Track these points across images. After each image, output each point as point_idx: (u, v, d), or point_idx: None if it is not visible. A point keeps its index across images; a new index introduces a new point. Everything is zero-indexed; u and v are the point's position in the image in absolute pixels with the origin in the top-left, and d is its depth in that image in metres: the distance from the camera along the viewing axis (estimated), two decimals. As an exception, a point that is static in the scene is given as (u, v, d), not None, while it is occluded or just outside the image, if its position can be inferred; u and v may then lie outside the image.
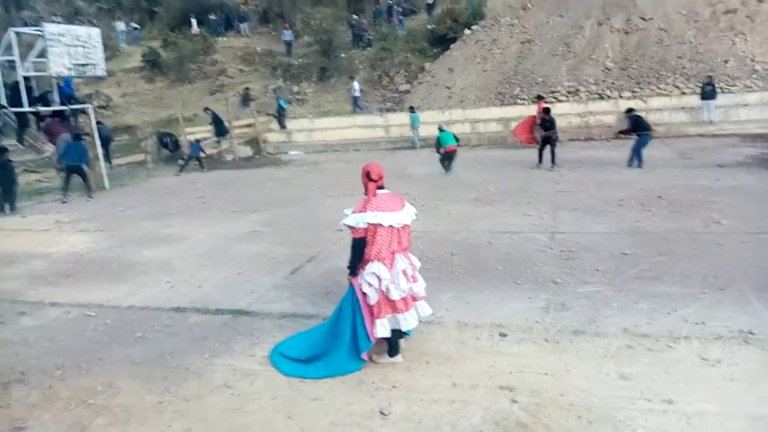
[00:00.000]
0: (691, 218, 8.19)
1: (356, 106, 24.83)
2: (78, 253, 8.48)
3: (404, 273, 4.28)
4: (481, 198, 10.57)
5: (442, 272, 6.50)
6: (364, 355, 4.37)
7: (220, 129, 20.18)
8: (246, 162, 19.53)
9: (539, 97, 17.79)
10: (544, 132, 13.86)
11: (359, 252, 4.25)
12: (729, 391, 3.74)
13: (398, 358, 4.47)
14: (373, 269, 4.21)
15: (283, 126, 22.86)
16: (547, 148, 13.79)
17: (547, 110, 14.09)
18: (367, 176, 4.32)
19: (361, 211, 4.21)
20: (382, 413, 3.75)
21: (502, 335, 4.79)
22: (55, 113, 14.89)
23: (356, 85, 25.07)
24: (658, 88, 20.30)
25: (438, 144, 14.10)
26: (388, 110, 24.37)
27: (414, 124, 20.12)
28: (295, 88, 26.91)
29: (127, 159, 18.17)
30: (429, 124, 21.46)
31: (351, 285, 4.37)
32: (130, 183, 15.82)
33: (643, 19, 22.38)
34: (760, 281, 5.61)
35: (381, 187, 4.35)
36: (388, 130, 22.23)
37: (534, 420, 3.56)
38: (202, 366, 4.59)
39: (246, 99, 24.46)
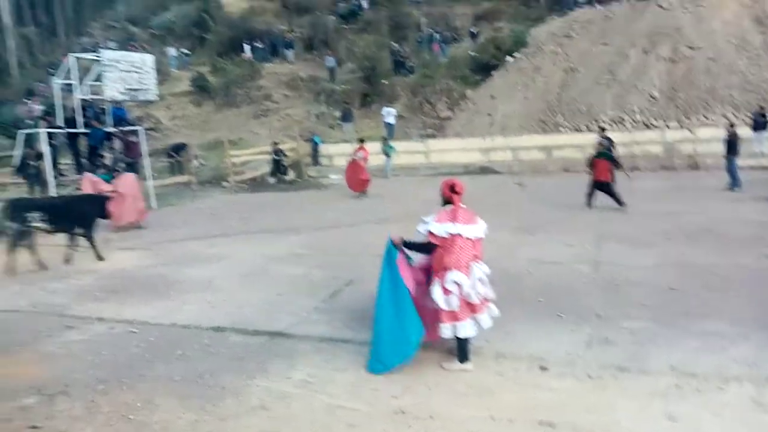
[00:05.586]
0: (741, 253, 7.88)
1: (389, 133, 24.03)
2: (124, 270, 8.71)
3: (480, 280, 4.67)
4: (523, 226, 10.44)
5: (482, 301, 6.41)
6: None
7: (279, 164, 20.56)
8: (288, 185, 19.83)
9: (361, 140, 17.34)
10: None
11: (424, 251, 4.76)
12: (785, 438, 3.56)
13: (468, 364, 4.70)
14: (454, 278, 4.55)
15: (317, 163, 23.11)
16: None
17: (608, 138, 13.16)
18: (451, 189, 4.74)
19: (446, 221, 4.59)
20: (418, 443, 3.70)
21: (543, 368, 4.68)
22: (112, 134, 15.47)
23: (392, 111, 24.62)
24: (706, 118, 19.81)
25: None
26: (429, 137, 24.44)
27: (389, 153, 20.01)
28: (337, 113, 27.29)
29: (174, 179, 18.71)
30: (471, 150, 21.53)
31: (394, 246, 4.78)
32: (176, 203, 16.23)
33: (691, 48, 21.98)
34: (817, 322, 5.34)
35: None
36: (428, 156, 22.29)
37: (575, 458, 3.46)
38: (239, 386, 4.63)
39: (347, 115, 24.90)
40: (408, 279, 4.75)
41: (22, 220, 8.75)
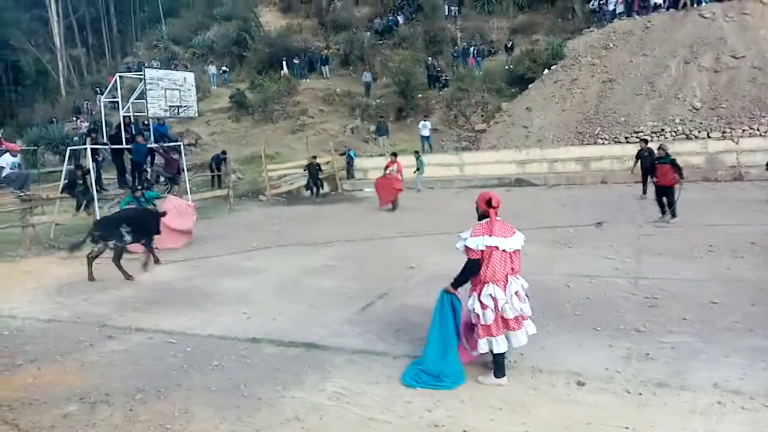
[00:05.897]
0: (790, 267, 7.59)
1: (425, 146, 24.18)
2: (164, 282, 8.91)
3: (516, 294, 4.62)
4: (559, 239, 10.28)
5: (516, 314, 6.33)
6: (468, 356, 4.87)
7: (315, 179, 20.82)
8: (323, 198, 20.03)
9: (394, 154, 17.57)
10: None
11: (471, 272, 4.61)
12: (837, 460, 3.39)
13: (504, 380, 4.63)
14: (490, 291, 4.54)
15: (351, 176, 23.35)
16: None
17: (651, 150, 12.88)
18: (488, 203, 4.67)
19: (482, 235, 4.57)
20: (451, 457, 3.66)
21: (580, 384, 4.58)
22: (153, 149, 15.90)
23: (427, 124, 24.86)
24: (751, 128, 19.25)
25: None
26: (464, 149, 24.40)
27: (420, 167, 19.95)
28: (372, 128, 27.50)
29: (212, 193, 19.09)
30: (505, 163, 21.38)
31: (447, 294, 4.75)
32: (214, 216, 16.55)
33: (735, 57, 21.43)
34: None
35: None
36: (462, 169, 22.23)
37: (613, 476, 3.36)
38: (274, 397, 4.66)
39: (381, 129, 25.43)
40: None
41: (120, 236, 9.12)
